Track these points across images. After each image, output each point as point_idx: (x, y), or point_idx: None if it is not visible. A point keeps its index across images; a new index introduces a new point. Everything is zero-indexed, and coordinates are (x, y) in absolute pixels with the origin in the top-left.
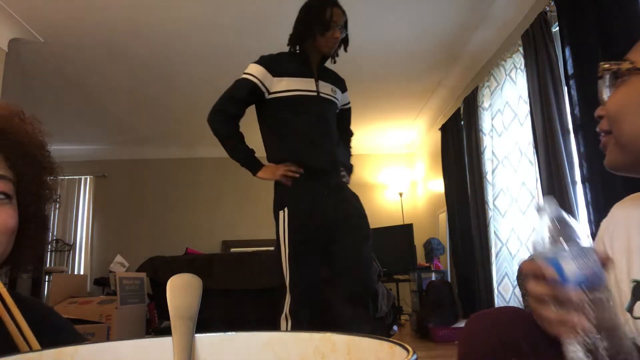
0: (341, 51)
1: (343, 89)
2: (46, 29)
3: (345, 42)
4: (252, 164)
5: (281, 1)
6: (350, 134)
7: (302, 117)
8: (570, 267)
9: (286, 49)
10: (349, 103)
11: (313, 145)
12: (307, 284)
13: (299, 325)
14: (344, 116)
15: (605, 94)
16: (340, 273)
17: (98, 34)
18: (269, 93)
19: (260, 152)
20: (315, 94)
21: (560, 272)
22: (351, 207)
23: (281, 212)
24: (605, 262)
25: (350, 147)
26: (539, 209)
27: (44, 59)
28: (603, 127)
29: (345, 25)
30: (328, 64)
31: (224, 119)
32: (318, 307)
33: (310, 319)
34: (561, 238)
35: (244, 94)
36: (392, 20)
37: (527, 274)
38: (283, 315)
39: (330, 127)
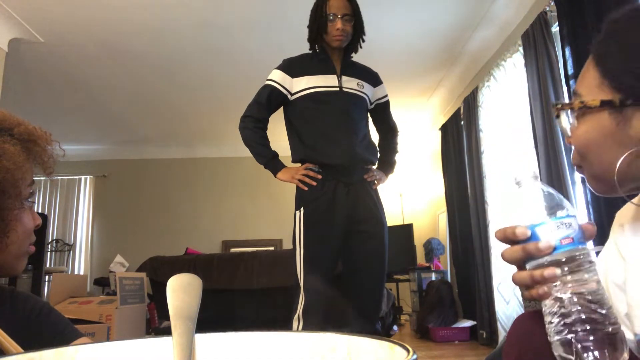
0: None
1: (374, 83)
2: (46, 29)
3: (358, 31)
4: (273, 166)
5: (281, 1)
6: (392, 129)
7: (322, 113)
8: (545, 233)
9: (292, 49)
10: (384, 97)
11: (330, 140)
12: (321, 286)
13: (310, 327)
14: (380, 110)
15: (568, 128)
16: (349, 291)
17: (98, 34)
18: (292, 94)
19: (287, 153)
20: (337, 89)
21: (535, 238)
22: (367, 210)
23: (297, 212)
24: (589, 232)
25: (393, 143)
26: (518, 182)
27: (44, 59)
28: (575, 161)
29: (353, 14)
30: (356, 58)
31: (247, 124)
32: (331, 309)
33: (323, 319)
34: (539, 208)
35: (264, 98)
36: (391, 20)
37: (500, 239)
38: (296, 316)
39: (353, 121)
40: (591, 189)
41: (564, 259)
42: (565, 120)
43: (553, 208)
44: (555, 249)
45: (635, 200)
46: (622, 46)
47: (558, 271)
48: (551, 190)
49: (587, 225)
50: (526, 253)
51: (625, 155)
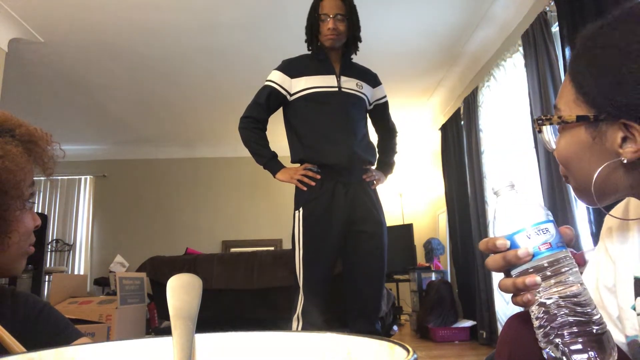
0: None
1: (373, 83)
2: (46, 29)
3: (354, 31)
4: (272, 166)
5: (281, 2)
6: (390, 129)
7: (321, 113)
8: (524, 240)
9: (292, 49)
10: (383, 97)
11: (329, 141)
12: (320, 286)
13: (309, 327)
14: (379, 111)
15: (552, 141)
16: (349, 291)
17: (98, 34)
18: (291, 95)
19: (287, 153)
20: (336, 89)
21: (514, 246)
22: (366, 210)
23: (296, 212)
24: (568, 235)
25: (392, 144)
26: (496, 192)
27: (44, 59)
28: (562, 172)
29: (347, 15)
30: (357, 59)
31: (247, 124)
32: (331, 309)
33: (322, 319)
34: (516, 216)
35: (263, 99)
36: (391, 20)
37: (483, 251)
38: (295, 316)
39: (352, 121)
40: (578, 199)
41: (546, 264)
42: (547, 134)
43: (530, 215)
44: (534, 255)
45: (614, 212)
46: (591, 64)
47: (538, 279)
48: (528, 198)
49: (564, 229)
50: (507, 262)
51: (601, 168)
